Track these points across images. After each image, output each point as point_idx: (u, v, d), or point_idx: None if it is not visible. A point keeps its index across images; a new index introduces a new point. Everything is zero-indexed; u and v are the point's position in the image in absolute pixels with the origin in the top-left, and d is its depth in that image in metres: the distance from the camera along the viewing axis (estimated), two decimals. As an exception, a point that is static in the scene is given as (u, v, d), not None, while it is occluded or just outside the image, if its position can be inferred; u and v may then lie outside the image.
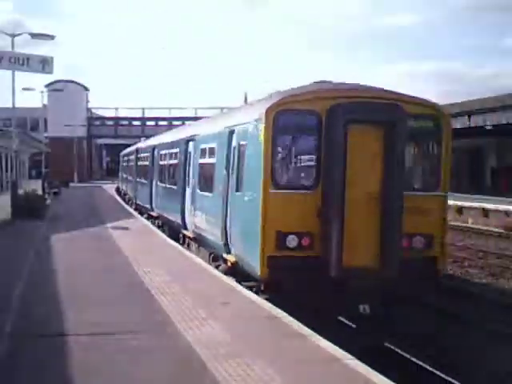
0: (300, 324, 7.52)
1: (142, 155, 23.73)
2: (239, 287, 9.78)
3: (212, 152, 11.23)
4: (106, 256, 13.18)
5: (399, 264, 7.77)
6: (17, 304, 8.56)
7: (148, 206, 21.48)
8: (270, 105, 7.92)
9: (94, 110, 68.48)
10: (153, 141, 21.96)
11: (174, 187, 15.61)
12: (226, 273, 9.91)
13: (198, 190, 12.47)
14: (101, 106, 69.83)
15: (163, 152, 17.84)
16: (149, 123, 65.75)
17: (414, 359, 8.29)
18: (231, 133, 9.74)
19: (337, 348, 6.68)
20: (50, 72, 21.43)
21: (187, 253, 13.91)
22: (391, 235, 7.71)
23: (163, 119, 65.97)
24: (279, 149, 7.94)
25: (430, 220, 8.40)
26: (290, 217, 7.84)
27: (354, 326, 8.40)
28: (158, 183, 18.97)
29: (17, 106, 22.76)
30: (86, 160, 64.22)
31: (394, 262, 7.73)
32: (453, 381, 7.68)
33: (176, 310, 8.16)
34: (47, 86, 53.51)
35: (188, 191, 13.76)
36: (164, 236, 17.25)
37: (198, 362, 6.07)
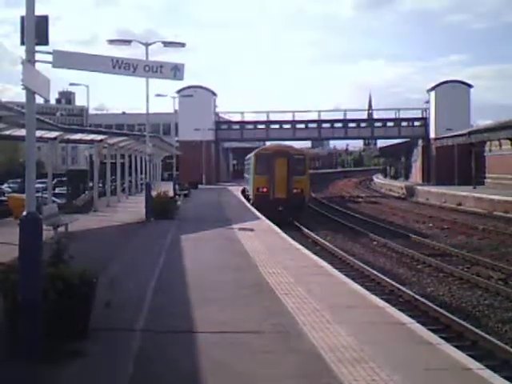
0: (428, 331, 7.40)
1: (247, 161, 39.51)
2: (364, 291, 9.70)
3: (248, 163, 37.37)
4: (233, 256, 13.52)
5: (291, 197, 30.60)
6: (147, 309, 9.00)
7: (246, 186, 41.40)
8: (256, 151, 33.68)
9: (221, 115, 70.55)
10: (250, 154, 37.30)
11: (247, 176, 38.93)
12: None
13: (246, 175, 39.60)
14: (228, 111, 71.85)
15: (247, 160, 39.46)
16: (273, 126, 66.42)
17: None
18: (250, 157, 35.28)
19: (466, 357, 6.43)
20: (181, 78, 21.60)
21: (311, 255, 13.97)
22: (289, 188, 30.73)
23: (287, 122, 66.51)
24: (259, 165, 31.79)
25: (301, 184, 31.04)
26: (262, 183, 31.32)
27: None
28: (246, 175, 39.87)
29: (150, 111, 23.50)
30: (214, 163, 66.20)
31: (290, 196, 30.66)
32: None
33: (300, 312, 8.21)
34: (178, 91, 55.85)
35: (247, 176, 39.68)
36: (288, 237, 17.43)
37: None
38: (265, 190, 31.27)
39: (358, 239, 24.52)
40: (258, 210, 26.75)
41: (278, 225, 21.35)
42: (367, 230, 26.71)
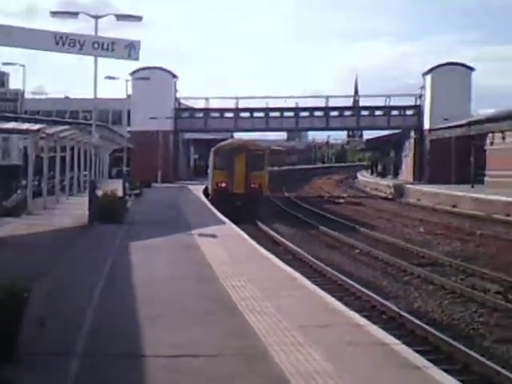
0: (414, 353, 7.58)
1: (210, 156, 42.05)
2: (342, 307, 9.82)
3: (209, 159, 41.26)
4: (191, 267, 13.54)
5: (250, 191, 35.55)
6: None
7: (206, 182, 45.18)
8: (214, 147, 39.46)
9: (182, 101, 70.20)
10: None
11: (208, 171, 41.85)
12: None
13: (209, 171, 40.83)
14: (190, 96, 71.49)
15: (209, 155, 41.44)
16: (243, 115, 66.44)
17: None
18: (210, 153, 39.88)
19: (457, 382, 6.56)
20: (137, 58, 20.59)
21: (283, 265, 14.07)
22: (248, 183, 35.83)
23: (259, 110, 66.55)
24: (218, 161, 37.70)
25: (260, 180, 36.30)
26: (221, 178, 36.72)
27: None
28: (208, 171, 42.43)
29: (98, 96, 22.91)
30: (172, 157, 65.93)
31: (249, 190, 35.54)
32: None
33: (267, 331, 8.27)
34: (132, 73, 55.21)
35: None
36: (256, 244, 17.57)
37: None
38: (224, 185, 36.62)
39: (337, 246, 24.80)
40: (217, 205, 32.46)
41: (235, 221, 24.16)
42: (348, 235, 27.05)
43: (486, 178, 50.84)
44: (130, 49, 20.06)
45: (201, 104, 68.61)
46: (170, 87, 65.20)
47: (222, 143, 42.58)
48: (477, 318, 13.64)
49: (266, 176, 37.96)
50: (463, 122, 50.02)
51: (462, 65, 63.14)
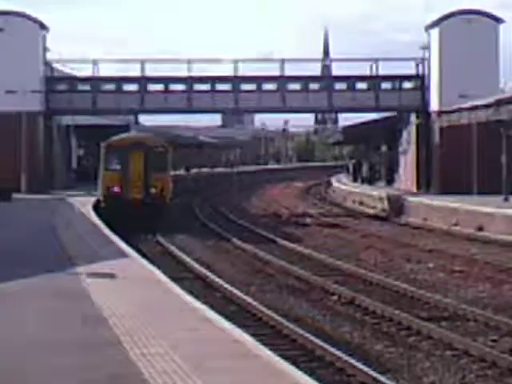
0: None
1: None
2: None
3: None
4: (75, 326, 13.35)
5: (150, 197, 43.76)
6: None
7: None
8: (105, 142, 46.34)
9: (56, 66, 69.56)
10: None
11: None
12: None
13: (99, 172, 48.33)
14: (69, 59, 70.93)
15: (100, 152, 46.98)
16: (153, 87, 66.32)
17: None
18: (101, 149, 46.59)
19: None
20: None
21: (221, 320, 14.01)
22: (147, 187, 43.84)
23: (178, 80, 66.53)
24: (110, 159, 45.53)
25: (162, 183, 44.54)
26: (113, 181, 43.91)
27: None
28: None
29: None
30: (43, 154, 65.13)
31: (148, 196, 43.70)
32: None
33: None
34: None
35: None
36: (178, 289, 17.51)
37: None
38: (117, 189, 43.32)
39: (304, 291, 24.95)
40: (110, 216, 37.98)
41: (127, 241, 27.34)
42: (320, 274, 27.24)
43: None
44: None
45: (87, 71, 68.19)
46: (36, 43, 64.45)
47: (114, 138, 47.01)
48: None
49: (170, 178, 46.38)
50: (489, 100, 50.26)
51: (486, 14, 63.40)
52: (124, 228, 35.23)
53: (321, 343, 16.93)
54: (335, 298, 23.61)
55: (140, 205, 42.29)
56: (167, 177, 45.43)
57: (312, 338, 17.41)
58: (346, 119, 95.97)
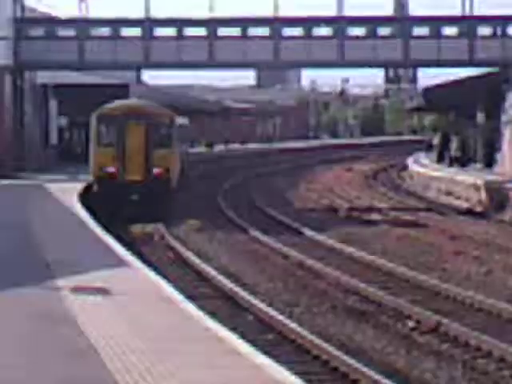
0: None
1: None
2: None
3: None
4: (58, 362, 13.44)
5: (151, 179, 47.80)
6: None
7: None
8: (96, 112, 50.22)
9: (29, 4, 70.09)
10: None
11: None
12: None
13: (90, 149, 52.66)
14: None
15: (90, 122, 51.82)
16: (160, 33, 66.48)
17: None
18: (92, 119, 51.31)
19: None
20: None
21: (253, 353, 14.02)
22: (149, 166, 47.81)
23: (196, 23, 66.79)
24: (103, 133, 49.96)
25: (166, 161, 48.66)
26: (106, 159, 47.99)
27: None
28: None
29: None
30: (11, 124, 65.58)
31: (150, 178, 47.41)
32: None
33: None
34: None
35: None
36: (196, 311, 17.57)
37: None
38: (112, 169, 46.52)
39: (371, 314, 25.00)
40: (102, 203, 42.08)
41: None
42: (391, 291, 27.42)
43: None
44: None
45: (71, 10, 68.57)
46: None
47: (107, 105, 49.04)
48: None
49: (177, 155, 50.64)
50: None
51: None
52: (120, 220, 38.11)
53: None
54: (412, 323, 23.63)
55: (139, 189, 45.88)
56: (173, 153, 49.01)
57: (380, 378, 17.43)
58: (429, 77, 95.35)
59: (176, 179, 49.14)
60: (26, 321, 16.49)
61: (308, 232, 43.21)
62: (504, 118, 70.87)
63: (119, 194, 44.50)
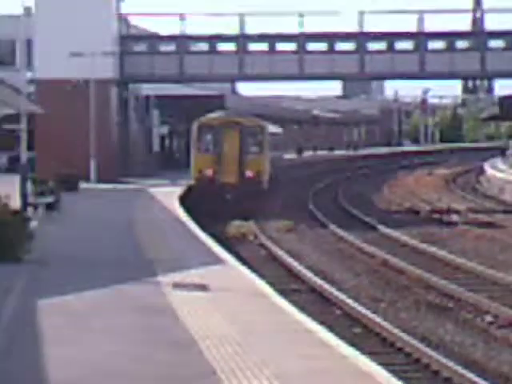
0: None
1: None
2: None
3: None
4: (159, 351, 13.52)
5: (244, 181, 51.61)
6: None
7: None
8: (197, 121, 54.55)
9: (133, 21, 70.32)
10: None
11: None
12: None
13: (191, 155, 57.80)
14: (150, 12, 71.59)
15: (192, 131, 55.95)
16: (255, 47, 66.42)
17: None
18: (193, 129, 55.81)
19: None
20: None
21: (342, 345, 13.97)
22: (242, 170, 51.51)
23: (286, 38, 66.67)
24: (203, 140, 53.89)
25: (258, 166, 52.30)
26: (206, 164, 51.99)
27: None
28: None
29: None
30: (117, 133, 65.80)
31: (242, 180, 51.06)
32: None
33: None
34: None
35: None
36: (287, 305, 17.59)
37: None
38: (210, 173, 50.07)
39: (450, 310, 24.85)
40: (201, 203, 44.77)
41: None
42: (471, 288, 27.10)
43: None
44: None
45: (173, 28, 68.82)
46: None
47: (207, 116, 53.21)
48: None
49: (267, 160, 53.26)
50: None
51: None
52: (216, 220, 40.08)
53: (473, 377, 16.77)
54: (490, 318, 23.40)
55: (233, 190, 49.28)
56: (264, 158, 52.47)
57: (459, 369, 17.28)
58: (505, 87, 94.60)
59: (267, 181, 52.26)
60: (131, 313, 16.71)
61: (391, 232, 43.09)
62: None
63: (216, 195, 47.77)
